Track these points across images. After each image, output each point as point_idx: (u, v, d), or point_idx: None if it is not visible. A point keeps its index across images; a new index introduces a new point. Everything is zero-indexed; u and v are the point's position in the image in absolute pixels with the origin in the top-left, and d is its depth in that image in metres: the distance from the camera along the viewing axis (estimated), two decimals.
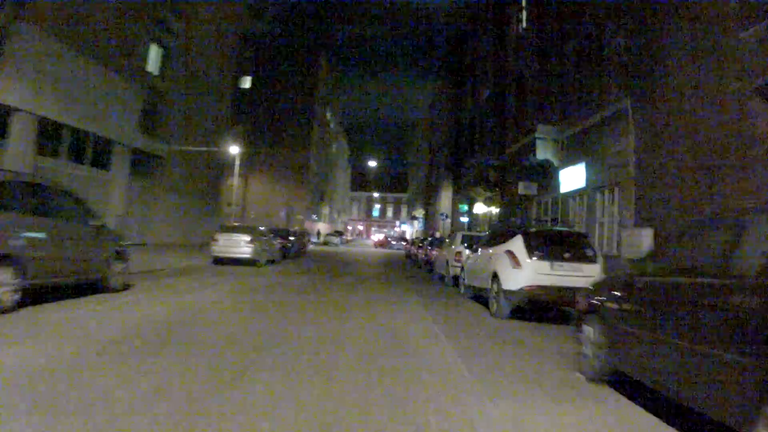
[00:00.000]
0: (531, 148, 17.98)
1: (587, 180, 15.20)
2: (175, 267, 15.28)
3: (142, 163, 23.42)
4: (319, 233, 53.21)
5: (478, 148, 28.21)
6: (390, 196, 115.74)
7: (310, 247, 39.58)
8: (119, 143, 21.17)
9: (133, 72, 21.90)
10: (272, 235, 20.52)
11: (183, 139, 26.90)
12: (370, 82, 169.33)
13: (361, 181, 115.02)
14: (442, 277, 16.58)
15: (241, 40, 39.16)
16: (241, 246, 17.48)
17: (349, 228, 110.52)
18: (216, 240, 17.84)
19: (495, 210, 26.07)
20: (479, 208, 28.04)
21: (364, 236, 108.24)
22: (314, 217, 54.65)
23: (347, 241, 60.97)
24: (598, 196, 14.68)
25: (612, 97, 13.61)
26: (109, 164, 20.98)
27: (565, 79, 17.19)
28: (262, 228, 19.98)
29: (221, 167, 33.32)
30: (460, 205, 33.14)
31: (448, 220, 44.66)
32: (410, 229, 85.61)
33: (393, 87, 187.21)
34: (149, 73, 23.82)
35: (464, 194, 42.24)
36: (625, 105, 12.71)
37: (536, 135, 17.54)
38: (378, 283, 15.05)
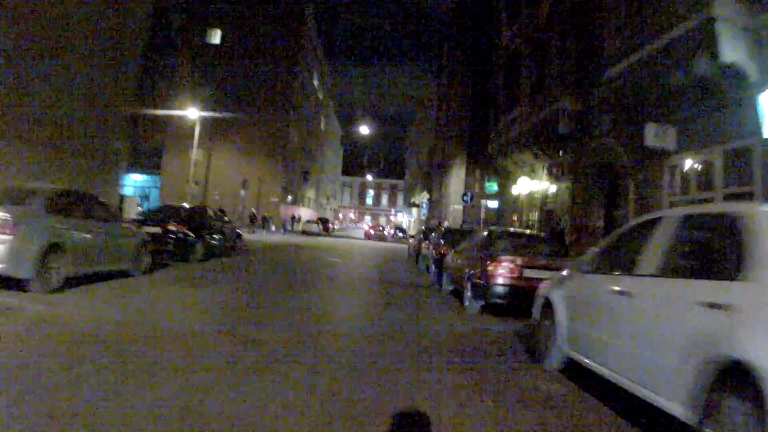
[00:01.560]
0: (690, 48, 8.52)
1: None
2: None
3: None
4: (294, 219, 43.25)
5: (524, 99, 18.64)
6: (385, 182, 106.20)
7: (274, 238, 30.11)
8: None
9: None
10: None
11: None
12: (365, 60, 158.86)
13: (353, 166, 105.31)
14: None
15: None
16: None
17: (340, 216, 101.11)
18: None
19: (553, 187, 16.67)
20: (522, 185, 18.63)
21: (356, 224, 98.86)
22: (290, 198, 44.90)
23: (331, 231, 51.31)
24: None
25: None
26: None
27: None
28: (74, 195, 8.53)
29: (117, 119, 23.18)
30: (488, 185, 23.70)
31: (459, 207, 35.26)
32: (408, 218, 76.22)
33: (390, 66, 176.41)
34: None
35: (487, 172, 33.04)
36: None
37: (715, 14, 8.06)
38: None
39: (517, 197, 20.41)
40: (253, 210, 33.53)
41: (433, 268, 13.70)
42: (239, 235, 16.19)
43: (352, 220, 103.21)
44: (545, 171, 17.34)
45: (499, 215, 22.50)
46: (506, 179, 21.96)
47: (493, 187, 23.29)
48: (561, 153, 15.75)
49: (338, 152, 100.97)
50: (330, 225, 51.73)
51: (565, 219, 15.59)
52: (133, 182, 51.54)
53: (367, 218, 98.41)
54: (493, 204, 23.55)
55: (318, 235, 40.62)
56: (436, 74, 53.44)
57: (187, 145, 41.56)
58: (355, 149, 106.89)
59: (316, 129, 62.91)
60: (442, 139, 43.66)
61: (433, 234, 17.77)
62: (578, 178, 14.73)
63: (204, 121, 44.98)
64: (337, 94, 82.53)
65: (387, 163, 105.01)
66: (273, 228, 36.12)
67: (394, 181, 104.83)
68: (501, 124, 21.67)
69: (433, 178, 47.60)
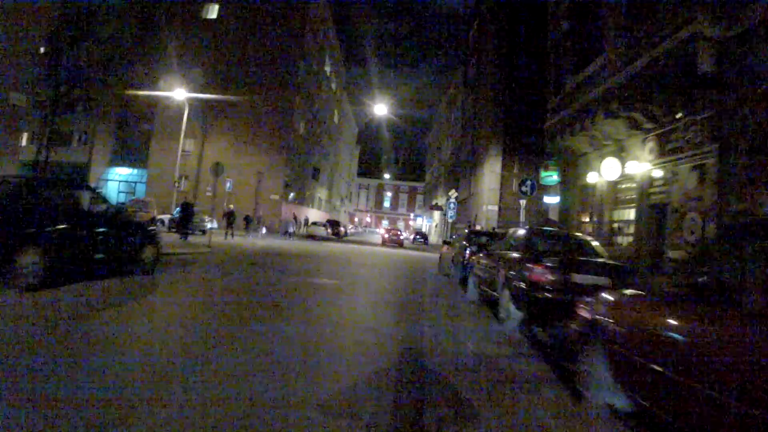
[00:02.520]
0: None
1: None
2: None
3: None
4: (296, 221, 36.73)
5: (612, 41, 12.55)
6: (403, 185, 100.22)
7: (262, 243, 24.28)
8: None
9: None
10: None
11: None
12: (383, 60, 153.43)
13: (370, 168, 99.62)
14: None
15: None
16: None
17: (356, 219, 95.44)
18: None
19: (666, 169, 10.57)
20: (607, 170, 12.50)
21: (372, 227, 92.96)
22: (291, 196, 38.85)
23: (343, 235, 45.36)
24: None
25: None
26: None
27: None
28: None
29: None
30: (544, 174, 17.52)
31: (493, 208, 29.29)
32: (427, 223, 70.16)
33: (410, 64, 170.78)
34: None
35: (528, 163, 27.49)
36: None
37: None
38: None
39: (593, 189, 14.33)
40: (231, 207, 27.91)
41: (513, 309, 7.05)
42: (150, 237, 9.09)
43: (367, 224, 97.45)
44: (652, 145, 11.24)
45: (563, 217, 16.42)
46: (573, 166, 15.89)
47: (551, 177, 17.19)
48: (682, 115, 9.67)
49: (354, 152, 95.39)
50: (342, 228, 45.79)
51: (693, 216, 9.57)
52: (119, 176, 46.68)
53: (385, 222, 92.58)
54: (553, 200, 17.46)
55: (326, 239, 34.75)
56: (462, 61, 47.47)
57: (178, 136, 36.33)
58: (372, 150, 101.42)
59: (329, 122, 57.13)
60: (471, 132, 37.65)
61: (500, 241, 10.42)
62: (728, 147, 8.67)
63: (196, 108, 39.65)
64: (355, 96, 77.21)
65: (406, 165, 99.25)
66: (263, 230, 30.14)
67: (413, 184, 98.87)
68: (566, 90, 15.61)
69: (459, 177, 41.54)
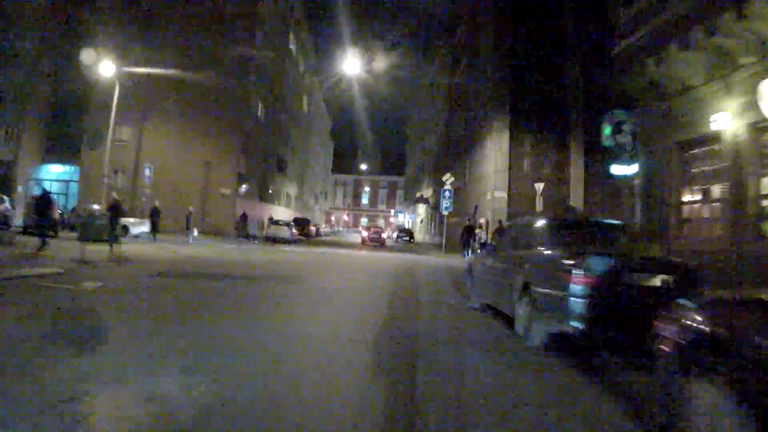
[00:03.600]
0: None
1: None
2: None
3: None
4: (245, 220, 28.17)
5: None
6: (382, 179, 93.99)
7: (183, 252, 17.49)
8: None
9: None
10: None
11: None
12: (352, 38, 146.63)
13: (346, 164, 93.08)
14: None
15: None
16: None
17: (333, 218, 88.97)
18: None
19: None
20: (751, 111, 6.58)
21: (350, 227, 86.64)
22: (244, 189, 31.05)
23: (313, 235, 39.00)
24: None
25: None
26: None
27: None
28: None
29: None
30: (608, 133, 11.24)
31: (502, 194, 23.48)
32: (410, 219, 64.14)
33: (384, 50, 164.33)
34: None
35: (550, 139, 22.21)
36: None
37: None
38: None
39: (717, 142, 8.34)
40: (156, 203, 21.57)
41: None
42: None
43: (346, 223, 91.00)
44: None
45: (641, 191, 10.26)
46: (665, 114, 9.83)
47: (623, 133, 11.04)
48: None
49: (328, 147, 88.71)
50: (313, 228, 39.34)
51: None
52: (54, 174, 39.61)
53: (364, 220, 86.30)
54: (625, 169, 11.33)
55: (291, 242, 28.08)
56: (449, 28, 41.35)
57: (119, 124, 29.67)
58: (348, 144, 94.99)
59: (296, 108, 50.24)
60: (465, 106, 31.53)
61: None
62: None
63: (134, 89, 32.93)
64: (328, 88, 69.14)
65: (384, 157, 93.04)
66: (194, 233, 22.00)
67: (392, 178, 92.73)
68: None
69: (449, 164, 35.47)
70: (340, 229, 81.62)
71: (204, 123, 31.42)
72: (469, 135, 29.73)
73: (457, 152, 33.57)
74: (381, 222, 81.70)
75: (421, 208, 52.29)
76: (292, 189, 49.91)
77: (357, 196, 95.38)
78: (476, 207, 25.72)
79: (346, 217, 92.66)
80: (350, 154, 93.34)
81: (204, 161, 29.30)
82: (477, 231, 20.99)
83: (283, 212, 42.42)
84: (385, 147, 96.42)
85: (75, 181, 38.83)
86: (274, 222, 29.39)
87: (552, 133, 23.79)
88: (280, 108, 41.92)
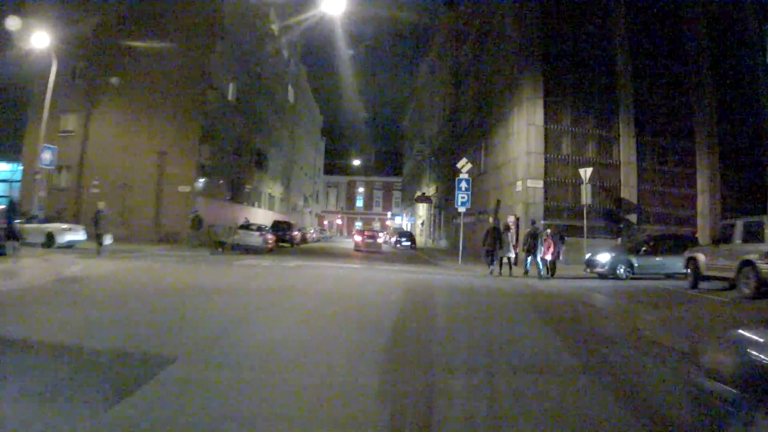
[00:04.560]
0: None
1: None
2: None
3: None
4: (200, 224, 22.34)
5: None
6: (377, 180, 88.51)
7: (68, 272, 11.94)
8: None
9: None
10: None
11: None
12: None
13: (339, 164, 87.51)
14: None
15: None
16: None
17: (325, 222, 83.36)
18: None
19: None
20: None
21: (344, 232, 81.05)
22: (200, 182, 24.83)
23: (299, 241, 33.69)
24: None
25: None
26: None
27: None
28: None
29: None
30: None
31: (537, 184, 18.18)
32: (409, 222, 58.68)
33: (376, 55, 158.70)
34: None
35: (596, 108, 16.97)
36: None
37: None
38: None
39: None
40: (100, 205, 16.34)
41: None
42: None
43: (339, 227, 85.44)
44: None
45: None
46: None
47: None
48: None
49: (319, 146, 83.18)
50: (297, 232, 33.72)
51: None
52: None
53: (358, 224, 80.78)
54: None
55: (262, 251, 22.17)
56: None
57: (59, 116, 24.32)
58: (341, 143, 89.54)
59: (279, 96, 44.55)
60: (481, 77, 26.04)
61: None
62: None
63: (80, 70, 27.41)
64: (319, 84, 63.45)
65: (379, 157, 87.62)
66: (107, 242, 15.24)
67: (388, 179, 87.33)
68: None
69: (457, 153, 30.03)
70: (332, 233, 76.02)
71: (162, 107, 25.80)
72: (485, 112, 24.13)
73: (469, 136, 28.06)
74: (377, 225, 76.18)
75: (422, 209, 46.87)
76: (275, 189, 44.28)
77: (351, 198, 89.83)
78: (498, 202, 20.27)
79: (339, 221, 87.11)
80: (343, 153, 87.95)
81: (158, 151, 23.75)
82: (509, 233, 15.59)
83: (263, 215, 36.81)
84: (380, 146, 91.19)
85: (18, 181, 33.21)
86: (243, 226, 23.67)
87: (599, 104, 18.45)
88: (259, 92, 36.30)
